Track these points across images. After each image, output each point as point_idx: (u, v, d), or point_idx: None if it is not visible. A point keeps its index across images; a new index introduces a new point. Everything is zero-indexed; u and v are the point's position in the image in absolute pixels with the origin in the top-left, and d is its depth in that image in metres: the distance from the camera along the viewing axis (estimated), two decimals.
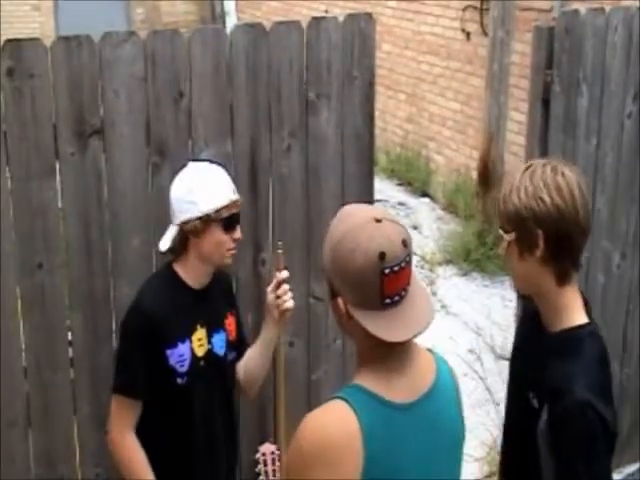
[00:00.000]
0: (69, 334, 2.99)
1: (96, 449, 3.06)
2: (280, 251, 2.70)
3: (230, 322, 2.76)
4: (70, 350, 3.00)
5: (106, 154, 2.93)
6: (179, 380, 2.60)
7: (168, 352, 2.57)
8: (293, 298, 2.73)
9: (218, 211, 2.56)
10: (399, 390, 1.76)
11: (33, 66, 2.75)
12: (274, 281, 2.71)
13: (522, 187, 2.01)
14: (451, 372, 1.91)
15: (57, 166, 2.87)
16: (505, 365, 5.04)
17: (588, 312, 2.10)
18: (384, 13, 8.74)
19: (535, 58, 3.57)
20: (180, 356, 2.59)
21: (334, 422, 1.71)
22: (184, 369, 2.60)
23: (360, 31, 3.29)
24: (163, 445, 2.64)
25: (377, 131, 3.79)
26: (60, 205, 2.90)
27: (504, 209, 2.05)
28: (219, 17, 12.79)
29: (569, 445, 1.95)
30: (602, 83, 3.68)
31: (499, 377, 5.07)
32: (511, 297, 5.68)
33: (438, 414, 1.81)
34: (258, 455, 2.89)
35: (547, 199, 1.98)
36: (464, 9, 7.68)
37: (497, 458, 4.29)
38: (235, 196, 2.63)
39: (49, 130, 2.83)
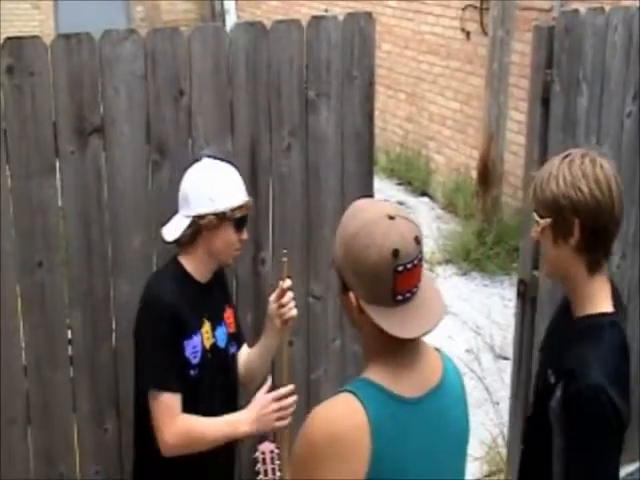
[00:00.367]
0: (69, 332, 2.99)
1: (96, 447, 3.07)
2: (284, 259, 2.68)
3: (229, 315, 2.77)
4: (70, 348, 3.00)
5: (106, 152, 2.92)
6: (192, 372, 2.59)
7: (185, 343, 2.57)
8: (293, 299, 2.72)
9: (233, 210, 2.59)
10: (408, 385, 1.76)
11: (33, 64, 2.75)
12: (277, 290, 2.71)
13: (560, 175, 2.06)
14: (457, 371, 1.92)
15: (57, 164, 2.86)
16: (504, 365, 5.06)
17: (615, 301, 2.14)
18: (384, 12, 8.74)
19: (535, 57, 3.57)
20: (194, 347, 2.59)
21: (342, 415, 1.71)
22: (196, 361, 2.60)
23: (360, 30, 3.29)
24: None
25: (377, 130, 3.79)
26: (60, 203, 2.90)
27: (541, 195, 2.10)
28: (219, 15, 12.79)
29: (580, 425, 1.99)
30: (602, 82, 3.67)
31: (498, 377, 5.07)
32: (510, 297, 5.68)
33: (445, 411, 1.82)
34: (257, 454, 2.89)
35: (585, 189, 2.03)
36: (464, 8, 7.68)
37: (497, 458, 4.32)
38: (247, 198, 2.66)
39: (49, 128, 2.82)
